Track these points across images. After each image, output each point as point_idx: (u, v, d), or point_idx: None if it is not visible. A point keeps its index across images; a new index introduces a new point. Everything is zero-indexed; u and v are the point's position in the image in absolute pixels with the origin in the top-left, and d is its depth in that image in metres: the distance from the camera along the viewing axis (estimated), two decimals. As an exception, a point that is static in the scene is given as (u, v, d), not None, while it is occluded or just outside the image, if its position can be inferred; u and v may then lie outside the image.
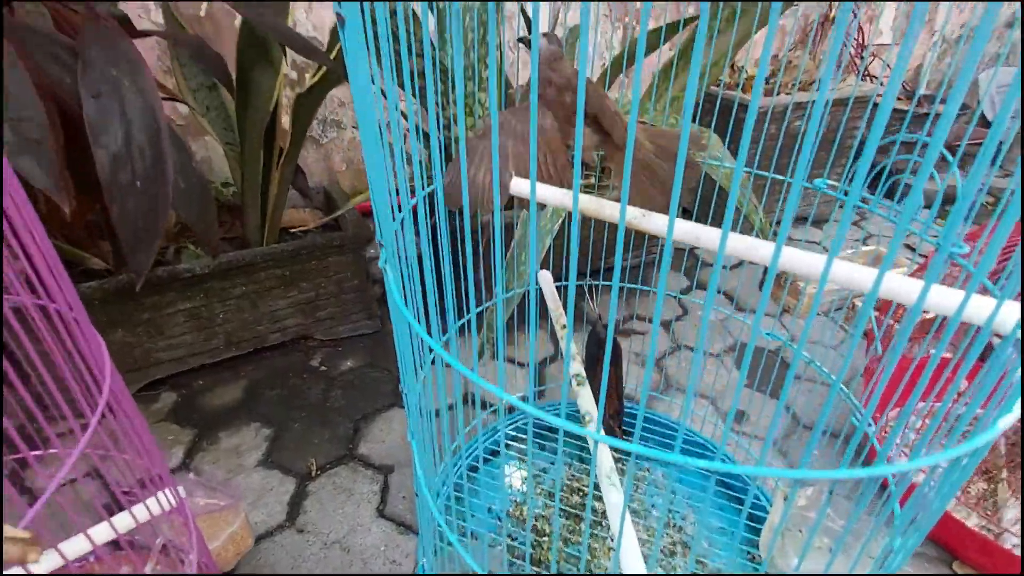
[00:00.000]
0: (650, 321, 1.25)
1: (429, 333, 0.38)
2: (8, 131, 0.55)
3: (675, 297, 1.42)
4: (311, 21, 1.43)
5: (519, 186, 0.48)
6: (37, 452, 0.52)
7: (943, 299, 0.30)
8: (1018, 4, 2.19)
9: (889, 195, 1.94)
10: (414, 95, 0.94)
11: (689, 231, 0.39)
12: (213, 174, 1.44)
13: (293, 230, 1.15)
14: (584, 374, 0.51)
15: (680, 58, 1.02)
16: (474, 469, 0.76)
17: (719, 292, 1.38)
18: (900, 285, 0.32)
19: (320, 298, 1.10)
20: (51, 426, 0.45)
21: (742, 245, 0.37)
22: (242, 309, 1.03)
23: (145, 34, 0.93)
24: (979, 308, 0.29)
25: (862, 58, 1.55)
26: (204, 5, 1.25)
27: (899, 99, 2.32)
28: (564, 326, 0.57)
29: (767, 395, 1.02)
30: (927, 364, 0.29)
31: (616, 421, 0.71)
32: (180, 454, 0.90)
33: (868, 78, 2.08)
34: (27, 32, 0.66)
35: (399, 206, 0.40)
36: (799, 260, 0.35)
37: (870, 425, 0.47)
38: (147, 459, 0.54)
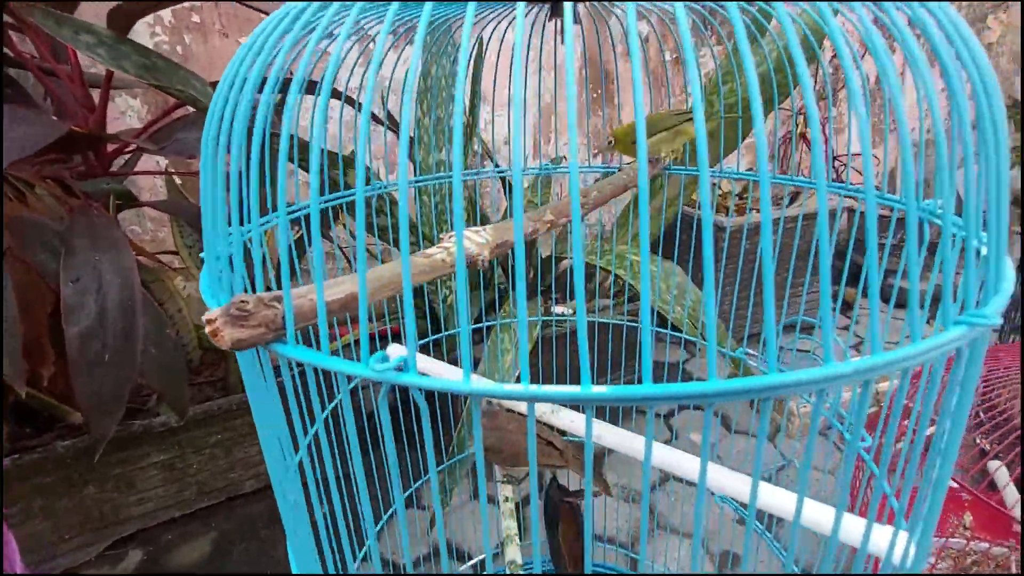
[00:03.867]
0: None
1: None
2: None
3: (661, 416, 1.38)
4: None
5: (433, 367, 0.50)
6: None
7: (817, 516, 0.30)
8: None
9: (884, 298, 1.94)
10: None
11: (613, 440, 0.39)
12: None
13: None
14: (520, 561, 0.49)
15: (637, 201, 1.09)
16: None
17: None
18: (773, 497, 0.31)
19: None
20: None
21: (632, 443, 0.37)
22: (216, 457, 1.02)
23: (144, 204, 1.02)
24: (852, 532, 0.29)
25: (835, 168, 1.63)
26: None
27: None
28: (507, 498, 0.55)
29: (761, 533, 0.96)
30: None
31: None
32: (135, 625, 0.85)
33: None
34: (19, 221, 0.74)
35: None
36: (681, 464, 0.35)
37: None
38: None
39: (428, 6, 0.20)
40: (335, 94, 0.81)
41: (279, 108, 0.77)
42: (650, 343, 0.18)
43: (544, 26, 0.55)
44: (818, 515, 0.31)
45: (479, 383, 0.17)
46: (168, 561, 0.96)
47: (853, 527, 0.31)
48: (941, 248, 0.27)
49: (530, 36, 0.55)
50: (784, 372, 0.16)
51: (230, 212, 0.31)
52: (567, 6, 0.24)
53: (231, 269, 0.26)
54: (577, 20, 0.38)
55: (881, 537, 0.29)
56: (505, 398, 0.17)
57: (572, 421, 0.44)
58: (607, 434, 0.39)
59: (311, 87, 0.77)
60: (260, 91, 0.26)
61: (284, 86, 0.31)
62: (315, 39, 0.23)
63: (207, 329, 0.18)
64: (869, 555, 0.29)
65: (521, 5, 0.22)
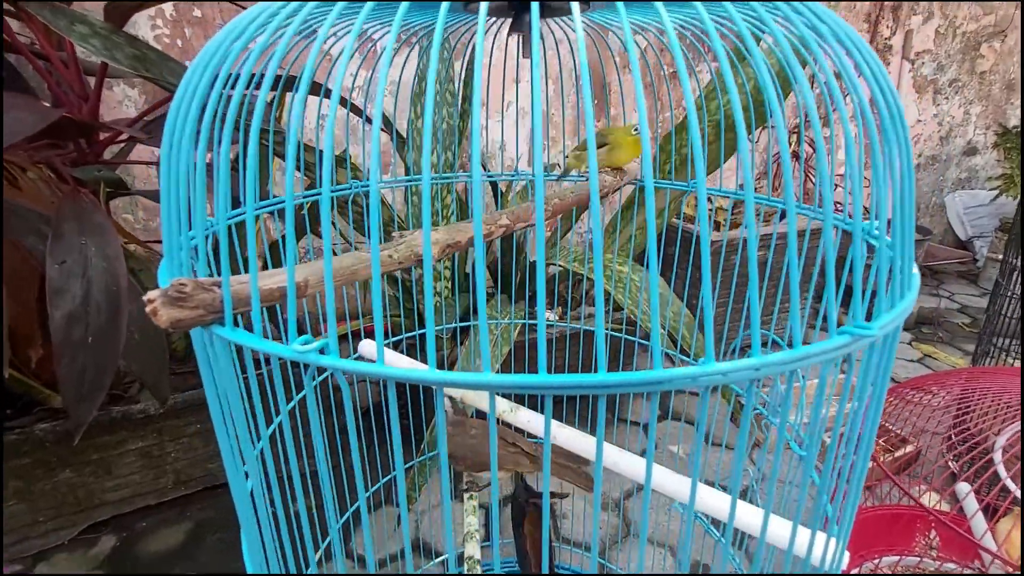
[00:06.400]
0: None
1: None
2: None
3: (640, 425, 1.40)
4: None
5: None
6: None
7: (749, 519, 0.31)
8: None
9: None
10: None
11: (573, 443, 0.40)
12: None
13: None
14: (479, 556, 0.50)
15: (625, 212, 1.11)
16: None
17: (687, 423, 1.36)
18: (712, 500, 0.32)
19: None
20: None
21: (581, 443, 0.38)
22: (195, 447, 1.03)
23: (135, 193, 1.03)
24: (781, 534, 0.30)
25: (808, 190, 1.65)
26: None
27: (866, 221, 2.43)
28: (471, 496, 0.57)
29: (736, 546, 0.97)
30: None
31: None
32: (104, 610, 0.86)
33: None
34: (9, 205, 0.75)
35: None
36: (626, 465, 0.36)
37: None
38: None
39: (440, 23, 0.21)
40: (322, 92, 0.82)
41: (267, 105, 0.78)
42: (545, 343, 0.19)
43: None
44: (750, 518, 0.32)
45: (392, 369, 0.18)
46: (141, 549, 0.97)
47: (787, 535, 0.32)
48: (877, 261, 0.29)
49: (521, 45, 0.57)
50: (667, 370, 0.18)
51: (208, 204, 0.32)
52: (534, 22, 0.25)
53: (203, 258, 0.27)
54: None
55: (817, 547, 0.30)
56: (415, 381, 0.19)
57: (529, 421, 0.45)
58: (559, 432, 0.40)
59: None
60: (234, 87, 0.28)
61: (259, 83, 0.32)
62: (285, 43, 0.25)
63: (147, 308, 0.20)
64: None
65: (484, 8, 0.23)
